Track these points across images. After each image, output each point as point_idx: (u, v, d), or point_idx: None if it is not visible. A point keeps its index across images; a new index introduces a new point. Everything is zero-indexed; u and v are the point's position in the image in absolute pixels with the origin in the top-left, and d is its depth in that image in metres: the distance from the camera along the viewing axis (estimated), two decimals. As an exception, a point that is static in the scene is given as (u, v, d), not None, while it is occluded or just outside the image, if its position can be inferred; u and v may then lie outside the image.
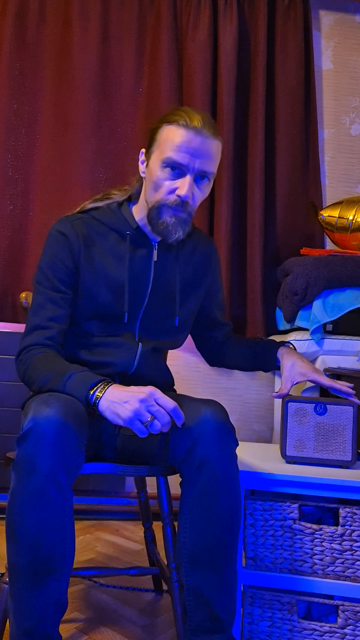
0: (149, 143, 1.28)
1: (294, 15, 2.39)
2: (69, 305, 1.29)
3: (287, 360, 1.41)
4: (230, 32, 2.32)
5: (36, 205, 2.26)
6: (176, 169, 1.23)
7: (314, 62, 2.43)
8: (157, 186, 1.25)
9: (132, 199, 1.37)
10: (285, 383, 1.39)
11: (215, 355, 1.55)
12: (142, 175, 1.31)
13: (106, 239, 1.32)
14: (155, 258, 1.34)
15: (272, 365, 1.46)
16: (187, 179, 1.23)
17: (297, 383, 1.39)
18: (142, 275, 1.33)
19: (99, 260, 1.30)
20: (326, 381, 1.37)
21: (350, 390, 1.37)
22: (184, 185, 1.23)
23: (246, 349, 1.49)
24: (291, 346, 1.47)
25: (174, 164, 1.22)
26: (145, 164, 1.30)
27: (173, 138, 1.21)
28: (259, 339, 1.53)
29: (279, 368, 1.44)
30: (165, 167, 1.23)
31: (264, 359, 1.46)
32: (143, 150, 1.31)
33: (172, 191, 1.24)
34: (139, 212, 1.33)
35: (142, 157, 1.31)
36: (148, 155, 1.28)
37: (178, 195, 1.23)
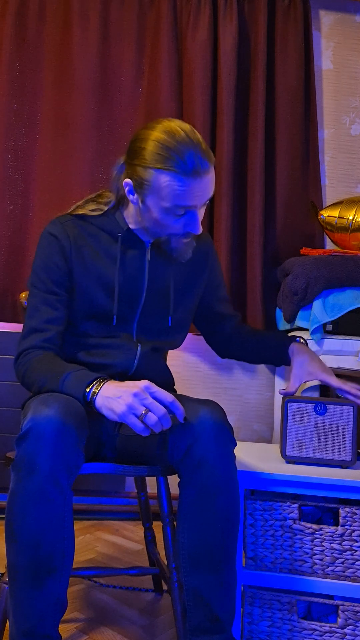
0: (137, 181, 1.19)
1: (294, 15, 2.39)
2: (64, 306, 1.29)
3: (297, 357, 1.40)
4: (230, 32, 2.31)
5: (36, 205, 2.25)
6: (182, 210, 1.20)
7: (314, 62, 2.42)
8: (164, 226, 1.23)
9: (120, 204, 1.34)
10: (293, 381, 1.38)
11: (225, 347, 1.54)
12: (133, 204, 1.26)
13: (98, 240, 1.31)
14: (149, 258, 1.34)
15: (283, 361, 1.45)
16: (197, 217, 1.21)
17: (305, 382, 1.38)
18: (137, 275, 1.32)
19: (91, 260, 1.29)
20: (335, 382, 1.37)
21: (359, 393, 1.36)
22: (195, 224, 1.21)
23: (256, 342, 1.48)
24: (302, 341, 1.46)
25: (180, 210, 1.19)
26: (137, 199, 1.23)
27: (174, 188, 1.15)
28: (269, 331, 1.52)
29: (289, 364, 1.43)
30: (169, 212, 1.20)
31: (275, 354, 1.46)
32: (128, 181, 1.22)
33: (182, 228, 1.23)
34: (130, 219, 1.32)
35: (128, 189, 1.23)
36: (140, 193, 1.21)
37: (190, 232, 1.23)
